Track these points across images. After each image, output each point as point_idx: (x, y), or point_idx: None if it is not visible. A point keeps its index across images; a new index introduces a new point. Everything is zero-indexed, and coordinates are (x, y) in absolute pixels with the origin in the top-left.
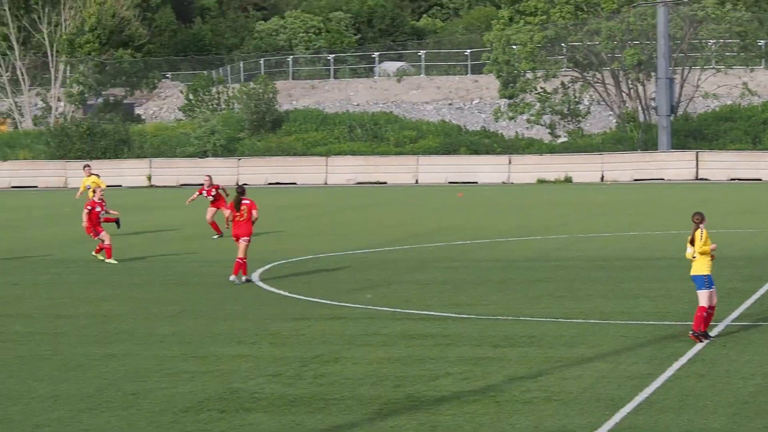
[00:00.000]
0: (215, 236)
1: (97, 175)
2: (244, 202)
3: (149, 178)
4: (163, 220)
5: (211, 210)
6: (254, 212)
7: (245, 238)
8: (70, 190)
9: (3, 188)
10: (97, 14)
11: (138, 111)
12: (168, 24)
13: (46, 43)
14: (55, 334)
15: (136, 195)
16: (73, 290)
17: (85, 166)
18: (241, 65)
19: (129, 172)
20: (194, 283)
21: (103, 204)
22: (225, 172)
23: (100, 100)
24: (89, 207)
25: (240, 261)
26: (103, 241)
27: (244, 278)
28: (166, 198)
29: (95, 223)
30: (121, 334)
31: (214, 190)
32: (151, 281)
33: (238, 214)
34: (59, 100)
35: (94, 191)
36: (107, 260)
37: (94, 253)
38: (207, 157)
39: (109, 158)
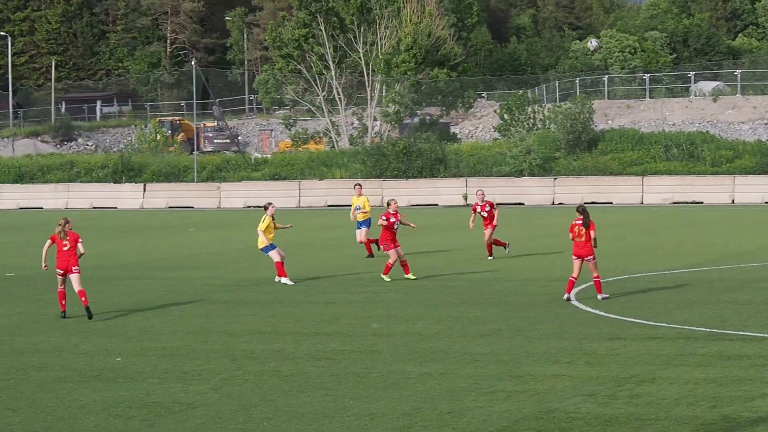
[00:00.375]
0: (490, 257)
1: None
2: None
3: (465, 197)
4: (479, 240)
5: (487, 231)
6: (592, 232)
7: (589, 257)
8: (382, 210)
9: (319, 207)
10: (413, 34)
11: (453, 130)
12: (483, 43)
13: (362, 62)
14: (371, 352)
15: (452, 214)
16: (389, 308)
17: (356, 185)
18: (557, 84)
19: (445, 192)
20: (509, 302)
21: (398, 215)
22: (541, 191)
23: (416, 119)
24: (385, 217)
25: (573, 279)
26: (389, 258)
27: (600, 296)
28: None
29: (389, 237)
30: (436, 353)
31: (488, 205)
32: (466, 300)
33: (577, 234)
34: (375, 119)
35: (388, 203)
36: (406, 276)
37: (405, 275)
38: (523, 176)
39: (425, 177)
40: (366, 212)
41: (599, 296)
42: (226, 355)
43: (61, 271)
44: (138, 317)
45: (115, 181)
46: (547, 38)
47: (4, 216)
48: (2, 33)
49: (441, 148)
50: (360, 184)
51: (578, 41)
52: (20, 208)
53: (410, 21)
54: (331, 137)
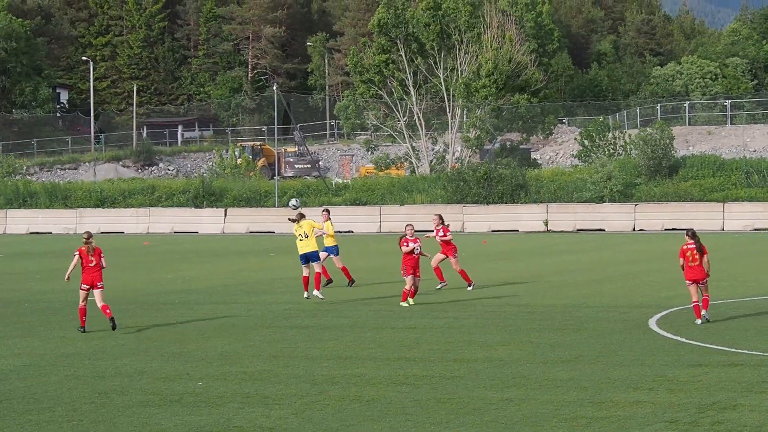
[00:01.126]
0: (439, 286)
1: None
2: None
3: (546, 223)
4: (560, 266)
5: (438, 256)
6: (706, 256)
7: (704, 280)
8: (466, 235)
9: (400, 232)
10: (494, 59)
11: (534, 156)
12: (564, 69)
13: (443, 88)
14: (452, 377)
15: (533, 240)
16: (470, 334)
17: (323, 210)
18: (638, 110)
19: (525, 217)
20: (590, 328)
21: (417, 240)
22: (621, 217)
23: (497, 144)
24: (405, 243)
25: (696, 303)
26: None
27: (702, 315)
28: (563, 242)
29: (411, 263)
30: (517, 379)
31: (442, 231)
32: (547, 326)
33: (691, 259)
34: (456, 144)
35: (405, 227)
36: (409, 299)
37: (409, 298)
38: (604, 202)
39: (506, 203)
40: (331, 236)
41: (703, 311)
42: (308, 380)
43: (87, 287)
44: (219, 341)
45: (196, 206)
46: (628, 64)
47: None
48: (84, 58)
49: (522, 173)
50: (328, 209)
51: (659, 67)
52: (102, 233)
53: (490, 46)
54: (411, 162)
